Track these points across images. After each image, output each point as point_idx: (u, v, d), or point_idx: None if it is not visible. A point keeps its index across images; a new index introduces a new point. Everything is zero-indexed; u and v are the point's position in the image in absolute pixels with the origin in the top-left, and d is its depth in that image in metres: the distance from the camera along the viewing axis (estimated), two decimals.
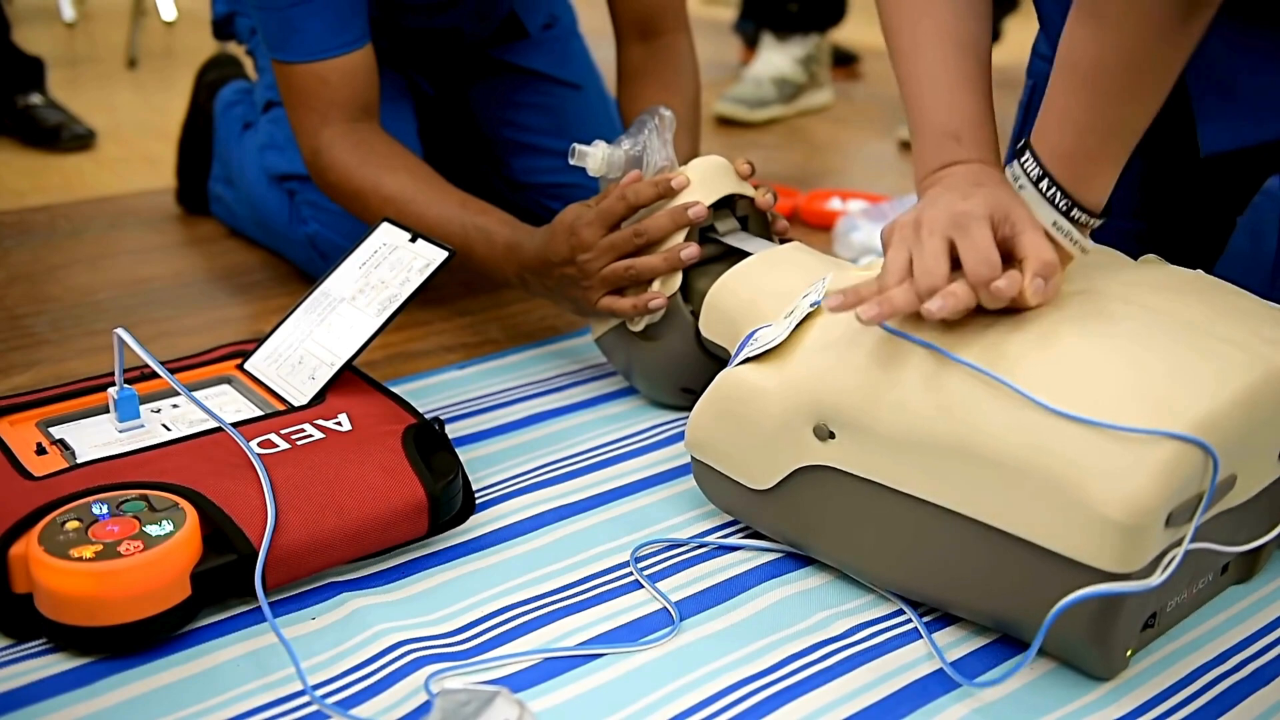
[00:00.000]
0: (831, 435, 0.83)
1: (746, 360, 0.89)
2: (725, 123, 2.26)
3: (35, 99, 2.07)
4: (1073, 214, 0.80)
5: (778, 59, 2.35)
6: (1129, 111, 0.78)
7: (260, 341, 1.08)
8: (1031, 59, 1.14)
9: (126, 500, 0.83)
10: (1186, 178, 1.03)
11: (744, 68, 2.45)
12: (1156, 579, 0.72)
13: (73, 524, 0.80)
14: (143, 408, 0.99)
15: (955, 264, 0.79)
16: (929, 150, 0.85)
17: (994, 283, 0.77)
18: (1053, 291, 0.79)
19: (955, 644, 0.82)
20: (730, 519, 0.96)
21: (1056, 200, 0.79)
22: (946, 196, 0.81)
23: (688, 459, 1.02)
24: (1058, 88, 0.79)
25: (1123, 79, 0.76)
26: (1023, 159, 0.81)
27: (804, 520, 0.88)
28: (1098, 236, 0.88)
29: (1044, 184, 0.79)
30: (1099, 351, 0.77)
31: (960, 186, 0.82)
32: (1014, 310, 0.80)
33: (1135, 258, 0.92)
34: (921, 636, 0.82)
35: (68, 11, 2.95)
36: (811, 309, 0.87)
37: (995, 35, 2.47)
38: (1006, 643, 0.82)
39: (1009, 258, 0.79)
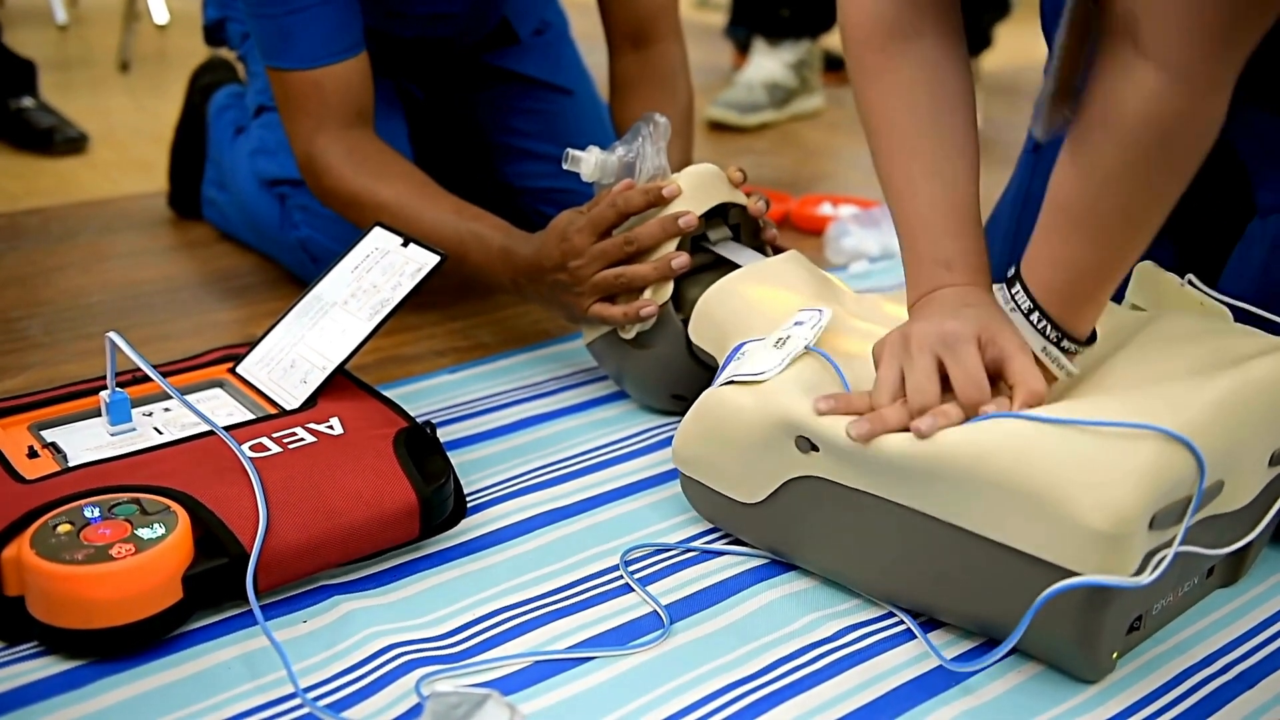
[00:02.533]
0: (814, 448, 0.84)
1: (731, 382, 0.89)
2: (717, 128, 2.27)
3: (27, 102, 2.07)
4: (1062, 344, 0.82)
5: (769, 64, 2.36)
6: (1121, 253, 0.80)
7: (252, 345, 1.09)
8: (1049, 59, 1.15)
9: (118, 503, 0.83)
10: (1202, 189, 1.04)
11: (736, 73, 2.46)
12: (1146, 579, 0.73)
13: (64, 527, 0.80)
14: (135, 411, 0.99)
15: (945, 384, 0.80)
16: (921, 275, 0.88)
17: (984, 407, 0.79)
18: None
19: (944, 646, 0.82)
20: None
21: (1047, 331, 0.82)
22: (936, 315, 0.83)
23: None
24: (1048, 226, 0.81)
25: (1116, 227, 0.78)
26: (1013, 290, 0.83)
27: (793, 531, 0.88)
28: None
29: (1034, 316, 0.82)
30: (1076, 400, 0.79)
31: (950, 306, 0.84)
32: None
33: (1150, 251, 0.93)
34: (911, 639, 0.83)
35: (60, 14, 2.95)
36: (806, 351, 0.88)
37: (987, 42, 2.48)
38: (994, 645, 0.82)
39: (996, 378, 0.81)
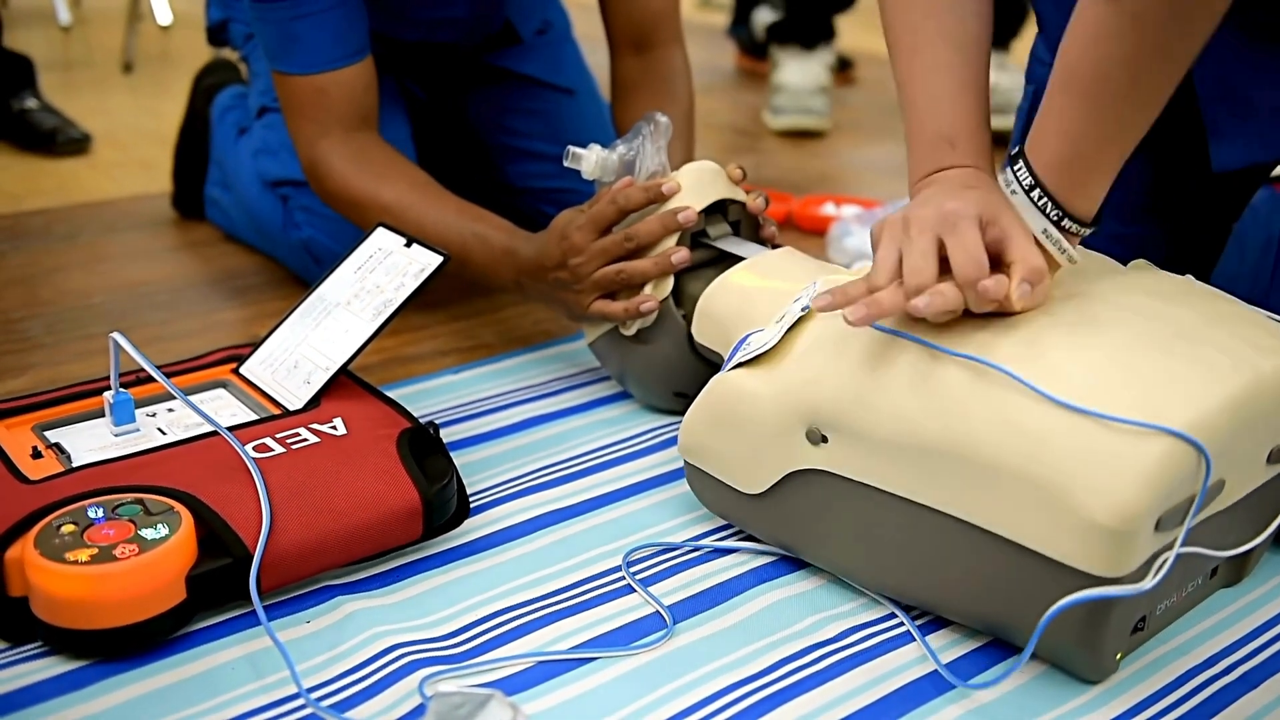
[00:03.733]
0: (824, 439, 0.84)
1: (739, 365, 0.89)
2: (790, 135, 2.23)
3: (30, 103, 2.07)
4: (1063, 223, 0.80)
5: (815, 67, 2.33)
6: (1126, 121, 0.78)
7: (255, 346, 1.09)
8: (1031, 64, 1.15)
9: (122, 504, 0.83)
10: (1191, 185, 1.04)
11: (776, 80, 2.36)
12: (1148, 583, 0.73)
13: (68, 527, 0.80)
14: (138, 412, 0.99)
15: (944, 267, 0.79)
16: (923, 154, 0.86)
17: (981, 282, 0.77)
18: (1040, 297, 0.80)
19: (947, 647, 0.82)
20: (723, 523, 0.97)
21: (1047, 209, 0.80)
22: (937, 197, 0.81)
23: (680, 463, 1.02)
24: (1054, 96, 0.79)
25: (1124, 88, 0.76)
26: (1015, 167, 0.81)
27: (797, 524, 0.88)
28: (1096, 242, 0.89)
29: (1035, 193, 0.80)
30: (1086, 357, 0.77)
31: (951, 188, 0.82)
32: (1001, 316, 0.80)
33: (1131, 229, 0.92)
34: (914, 639, 0.83)
35: (63, 15, 2.95)
36: (802, 313, 0.88)
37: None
38: (998, 646, 0.82)
39: (997, 261, 0.79)
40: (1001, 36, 2.28)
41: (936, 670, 0.80)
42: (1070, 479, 0.73)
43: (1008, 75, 2.26)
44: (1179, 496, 0.74)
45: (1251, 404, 0.78)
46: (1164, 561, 0.74)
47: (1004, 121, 2.17)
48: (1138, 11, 0.73)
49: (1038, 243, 0.80)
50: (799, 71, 2.31)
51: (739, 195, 1.13)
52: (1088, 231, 0.82)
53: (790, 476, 0.87)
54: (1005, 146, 1.20)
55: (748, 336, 0.93)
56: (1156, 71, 0.76)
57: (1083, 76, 0.77)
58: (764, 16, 2.66)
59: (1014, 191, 0.81)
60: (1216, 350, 0.79)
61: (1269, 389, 0.79)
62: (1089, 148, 0.79)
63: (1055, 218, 0.80)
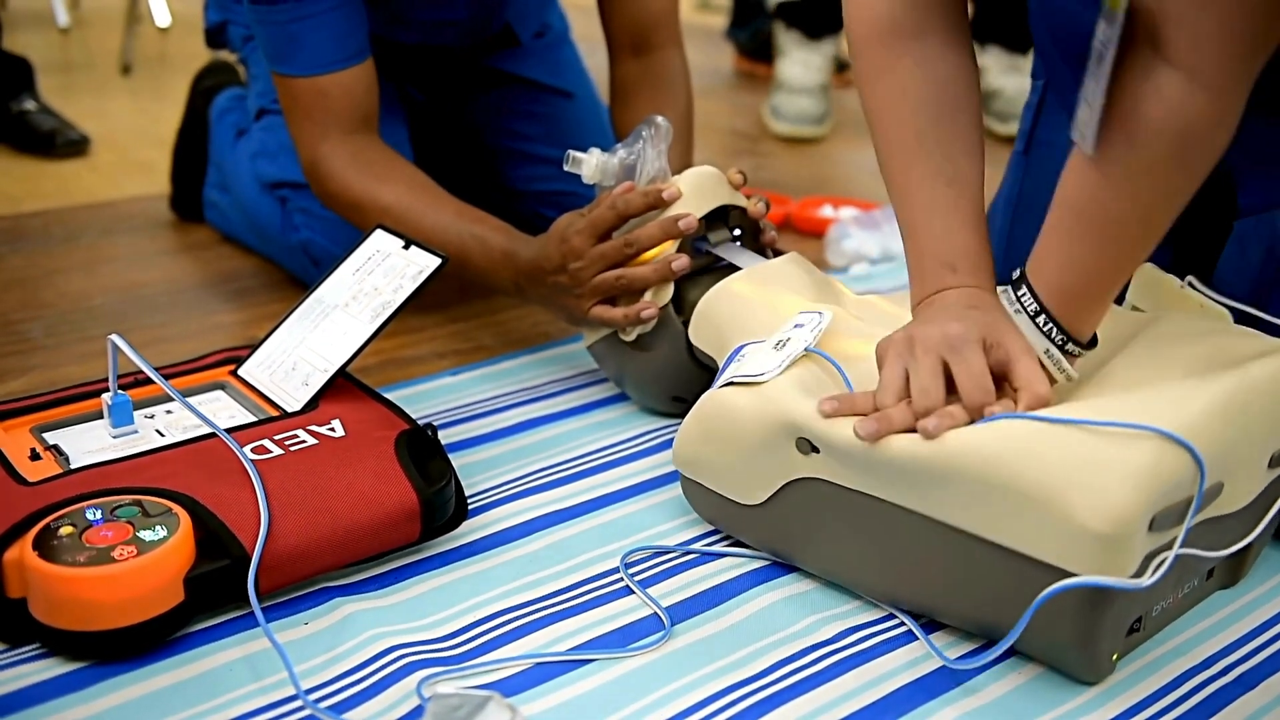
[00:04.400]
0: (814, 449, 0.84)
1: (731, 383, 0.90)
2: (788, 141, 2.22)
3: (29, 104, 2.07)
4: (1065, 346, 0.82)
5: (816, 60, 2.31)
6: (1133, 255, 0.80)
7: (254, 348, 1.09)
8: (1036, 60, 1.15)
9: (120, 505, 0.83)
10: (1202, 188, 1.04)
11: (778, 75, 2.35)
12: (1146, 580, 0.73)
13: (67, 529, 0.80)
14: (136, 413, 0.99)
15: (950, 386, 0.80)
16: (925, 276, 0.88)
17: (989, 409, 0.79)
18: None
19: (945, 647, 0.83)
20: None
21: (1052, 334, 0.82)
22: (940, 317, 0.83)
23: None
24: (1058, 228, 0.81)
25: (1131, 230, 0.78)
26: (1019, 291, 0.83)
27: (793, 533, 0.89)
28: None
29: (1040, 319, 0.82)
30: (1076, 402, 0.79)
31: (954, 308, 0.84)
32: None
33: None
34: (912, 640, 0.83)
35: (62, 17, 2.95)
36: (805, 353, 0.88)
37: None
38: (995, 646, 0.82)
39: (1000, 380, 0.81)
40: (1015, 40, 2.28)
41: (933, 671, 0.80)
42: (1061, 484, 0.73)
43: (1017, 79, 2.25)
44: (1172, 498, 0.74)
45: (1242, 405, 0.78)
46: (1162, 560, 0.74)
47: (1014, 128, 2.17)
48: (1141, 165, 0.75)
49: (1039, 362, 0.82)
50: (801, 65, 2.30)
51: (740, 201, 1.13)
52: (1087, 352, 0.84)
53: (784, 486, 0.87)
54: (1010, 150, 1.20)
55: (743, 347, 0.94)
56: (1163, 211, 0.78)
57: (1087, 219, 0.79)
58: None
59: (1018, 312, 0.83)
60: (1206, 357, 0.80)
61: (1261, 391, 0.79)
62: (1093, 280, 0.81)
63: (1059, 342, 0.82)
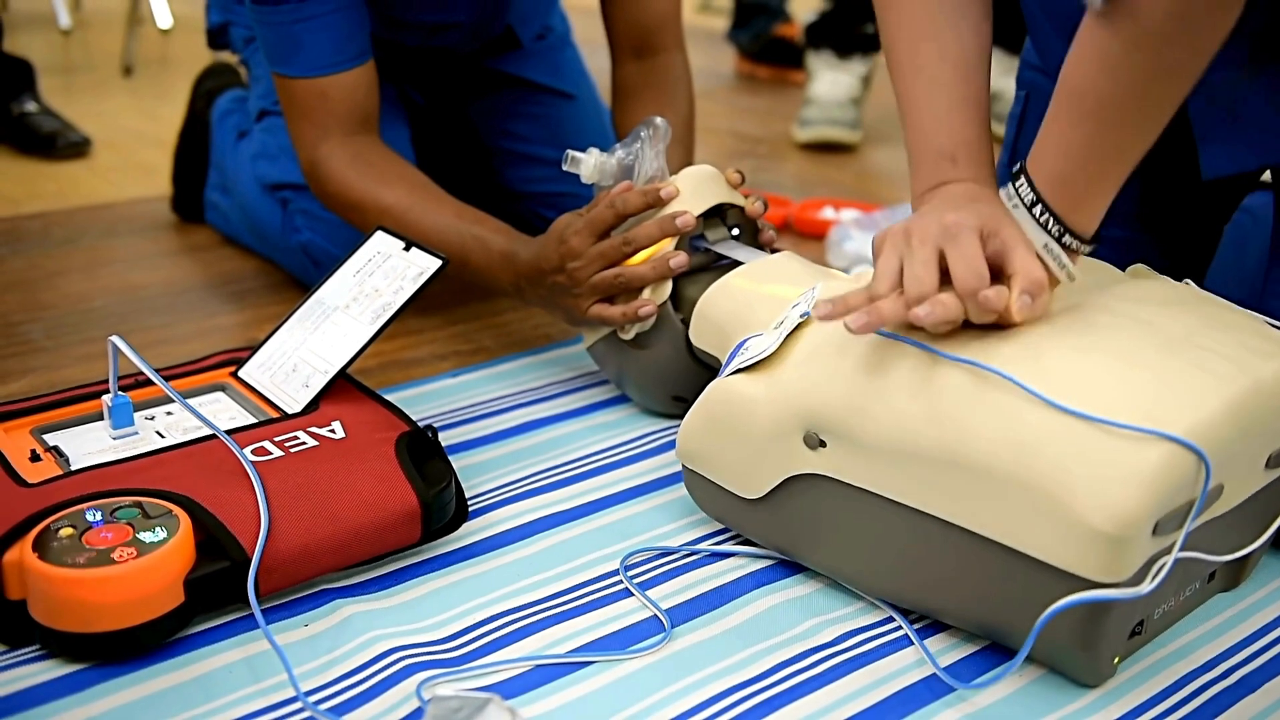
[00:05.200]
0: (822, 444, 0.84)
1: (737, 370, 0.89)
2: (816, 148, 2.19)
3: (30, 106, 2.07)
4: (1064, 240, 0.81)
5: (845, 78, 2.31)
6: (1129, 142, 0.79)
7: (254, 349, 1.09)
8: (1021, 69, 1.15)
9: (120, 507, 0.83)
10: (1182, 189, 1.04)
11: (808, 90, 2.31)
12: (1146, 587, 0.73)
13: (67, 531, 0.80)
14: (137, 415, 0.99)
15: (945, 277, 0.79)
16: (925, 169, 0.86)
17: (982, 293, 0.77)
18: (1040, 310, 0.80)
19: (945, 651, 0.83)
20: (721, 527, 0.97)
21: (1049, 226, 0.80)
22: (938, 209, 0.82)
23: (678, 467, 1.02)
24: (1058, 115, 0.80)
25: (1129, 110, 0.77)
26: (1017, 183, 0.82)
27: (795, 528, 0.88)
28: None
29: (1037, 209, 0.80)
30: (1086, 364, 0.77)
31: (953, 201, 0.83)
32: (1001, 327, 0.81)
33: (1126, 267, 0.93)
34: (912, 643, 0.83)
35: (64, 18, 2.96)
36: (801, 319, 0.88)
37: None
38: (995, 650, 0.82)
39: (998, 273, 0.80)
40: (1013, 42, 2.27)
41: (934, 674, 0.80)
42: (1068, 485, 0.73)
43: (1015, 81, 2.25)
44: (1177, 501, 0.74)
45: (1251, 409, 0.78)
46: (1162, 565, 0.74)
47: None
48: (1143, 34, 0.74)
49: (1038, 257, 0.80)
50: (830, 83, 2.27)
51: (737, 199, 1.13)
52: (1088, 248, 0.83)
53: (788, 481, 0.87)
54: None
55: (745, 341, 0.93)
56: (1162, 93, 0.76)
57: (1087, 98, 0.77)
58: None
59: (1015, 206, 0.82)
60: (1216, 356, 0.79)
61: (1268, 394, 0.79)
62: (1092, 167, 0.79)
63: (1056, 234, 0.81)
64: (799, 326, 0.89)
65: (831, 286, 0.91)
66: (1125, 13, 0.73)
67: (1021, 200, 0.81)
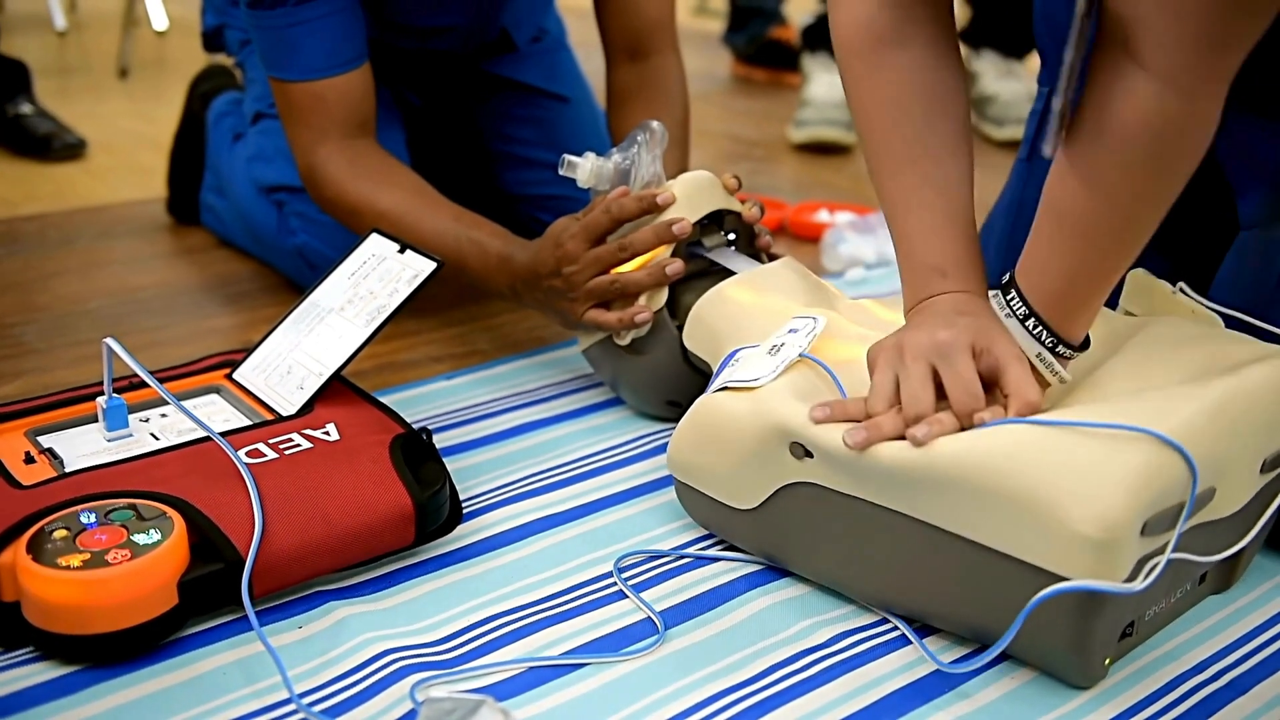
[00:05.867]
0: (808, 454, 0.84)
1: (725, 387, 0.90)
2: (812, 149, 2.19)
3: (26, 108, 2.07)
4: (1057, 349, 0.82)
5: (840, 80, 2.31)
6: (1115, 259, 0.80)
7: (249, 351, 1.09)
8: (1042, 69, 1.15)
9: (114, 509, 0.83)
10: (1188, 200, 1.05)
11: (803, 93, 2.31)
12: (1139, 585, 0.73)
13: (61, 533, 0.80)
14: (131, 417, 0.99)
15: (940, 392, 0.81)
16: (916, 282, 0.88)
17: (978, 416, 0.79)
18: None
19: (938, 651, 0.83)
20: None
21: (1042, 337, 0.82)
22: (930, 323, 0.83)
23: None
24: (1043, 232, 0.81)
25: (1109, 232, 0.79)
26: (1009, 296, 0.83)
27: (787, 537, 0.89)
28: None
29: (1030, 322, 0.82)
30: (1068, 389, 0.80)
31: (944, 314, 0.84)
32: None
33: (1144, 265, 0.94)
34: (905, 645, 0.83)
35: (59, 20, 2.95)
36: (799, 358, 0.88)
37: None
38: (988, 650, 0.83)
39: (991, 385, 0.81)
40: (1010, 45, 2.28)
41: (926, 675, 0.80)
42: (1053, 489, 0.73)
43: (1013, 84, 2.25)
44: (1164, 503, 0.74)
45: (1234, 410, 0.78)
46: (1154, 566, 0.75)
47: (1009, 133, 2.18)
48: (1117, 166, 0.75)
49: (1030, 365, 0.82)
50: (826, 85, 2.27)
51: (734, 205, 1.13)
52: (1078, 355, 0.84)
53: (778, 491, 0.87)
54: (1015, 154, 1.20)
55: (737, 351, 0.94)
56: (1141, 215, 0.78)
57: (1069, 220, 0.79)
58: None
59: (1007, 316, 0.83)
60: (1199, 363, 0.80)
61: (1252, 396, 0.79)
62: (1080, 284, 0.81)
63: (1050, 344, 0.82)
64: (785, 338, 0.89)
65: (835, 320, 0.92)
66: (1099, 148, 0.75)
67: (1014, 313, 0.83)
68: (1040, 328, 0.82)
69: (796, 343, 0.90)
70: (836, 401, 0.84)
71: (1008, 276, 0.84)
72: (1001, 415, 0.79)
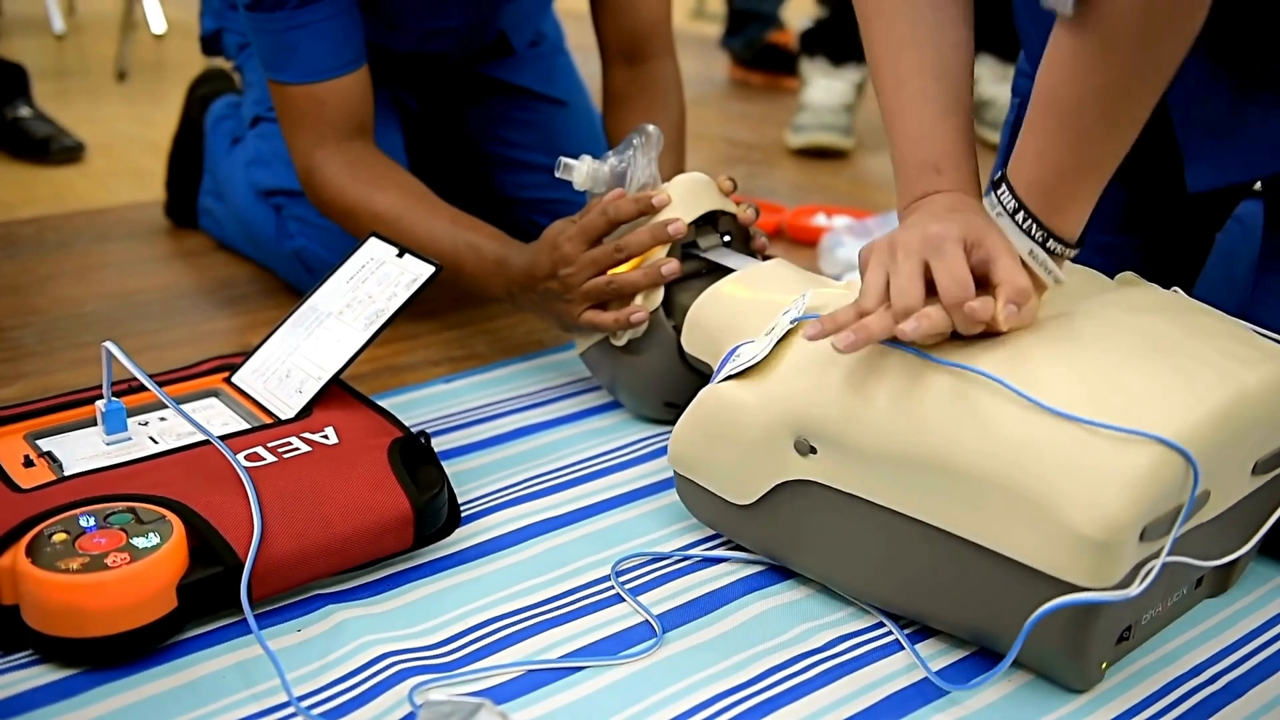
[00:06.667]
0: (813, 450, 0.84)
1: (728, 377, 0.90)
2: (809, 154, 2.19)
3: (24, 111, 2.07)
4: (1048, 245, 0.81)
5: (839, 85, 2.30)
6: (1105, 146, 0.79)
7: (248, 355, 1.09)
8: (1016, 78, 1.15)
9: (113, 513, 0.83)
10: (1172, 197, 1.05)
11: (802, 97, 2.31)
12: (1134, 590, 0.74)
13: (60, 536, 0.81)
14: (130, 420, 0.99)
15: (931, 289, 0.80)
16: (909, 180, 0.87)
17: (967, 304, 0.78)
18: (1027, 318, 0.81)
19: (934, 656, 0.83)
20: (712, 533, 0.97)
21: (1032, 231, 0.81)
22: (922, 221, 0.82)
23: (670, 473, 1.03)
24: (1034, 121, 0.80)
25: (1100, 115, 0.78)
26: (999, 191, 0.83)
27: (786, 534, 0.89)
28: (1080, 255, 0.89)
29: (1019, 215, 0.81)
30: (1070, 369, 0.78)
31: (937, 212, 0.83)
32: (988, 336, 0.81)
33: (1116, 274, 0.94)
34: (902, 648, 0.83)
35: (58, 23, 2.96)
36: (791, 325, 0.89)
37: None
38: (985, 654, 0.83)
39: (984, 282, 0.80)
40: (1008, 50, 2.28)
41: (923, 679, 0.80)
42: (1055, 490, 0.73)
43: (1008, 89, 2.25)
44: (1164, 507, 0.75)
45: (1236, 415, 0.78)
46: (1150, 570, 0.75)
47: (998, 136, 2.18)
48: (1109, 40, 0.75)
49: (1024, 264, 0.81)
50: (824, 90, 2.27)
51: (729, 207, 1.13)
52: (1073, 252, 0.83)
53: (779, 487, 0.87)
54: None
55: (737, 348, 0.94)
56: (1131, 97, 0.77)
57: (1059, 104, 0.78)
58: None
59: (999, 214, 0.82)
60: (1201, 363, 0.80)
61: (1253, 401, 0.79)
62: (1070, 172, 0.80)
63: (1040, 239, 0.81)
64: (788, 333, 0.89)
65: (821, 293, 0.92)
66: (1093, 19, 0.74)
67: (1004, 208, 0.82)
68: (1030, 221, 0.80)
69: (789, 318, 0.89)
70: (827, 315, 0.83)
71: (999, 173, 0.83)
72: (992, 305, 0.78)
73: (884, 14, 0.89)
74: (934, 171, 0.85)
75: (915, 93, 0.87)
